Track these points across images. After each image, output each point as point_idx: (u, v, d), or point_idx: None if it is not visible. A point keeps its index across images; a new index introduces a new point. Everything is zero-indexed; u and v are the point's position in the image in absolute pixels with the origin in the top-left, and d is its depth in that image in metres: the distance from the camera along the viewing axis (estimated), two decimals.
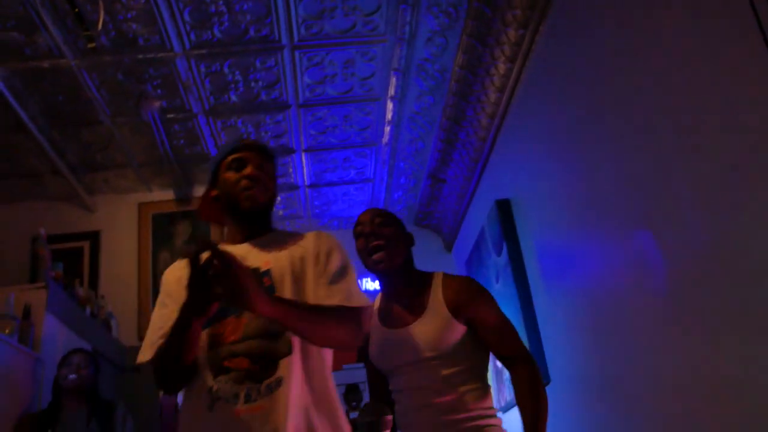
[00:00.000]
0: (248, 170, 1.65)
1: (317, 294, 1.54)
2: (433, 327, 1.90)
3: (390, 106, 4.04)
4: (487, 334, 1.93)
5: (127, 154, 4.31)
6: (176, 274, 1.62)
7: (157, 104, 3.79)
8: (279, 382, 1.43)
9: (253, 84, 3.73)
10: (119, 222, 4.77)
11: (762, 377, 1.73)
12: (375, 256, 1.92)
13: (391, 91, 3.90)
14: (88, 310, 3.79)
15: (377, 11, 3.26)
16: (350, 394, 5.55)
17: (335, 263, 1.60)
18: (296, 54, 3.51)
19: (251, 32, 3.33)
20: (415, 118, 4.19)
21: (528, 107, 3.42)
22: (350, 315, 1.52)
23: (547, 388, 3.28)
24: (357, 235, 1.99)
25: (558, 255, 3.24)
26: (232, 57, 3.51)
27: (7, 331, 2.88)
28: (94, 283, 4.51)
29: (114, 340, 4.13)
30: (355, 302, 1.54)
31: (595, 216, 2.76)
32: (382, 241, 1.92)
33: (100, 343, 3.77)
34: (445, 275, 2.02)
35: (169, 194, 4.77)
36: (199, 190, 4.75)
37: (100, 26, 2.91)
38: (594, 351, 2.86)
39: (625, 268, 2.52)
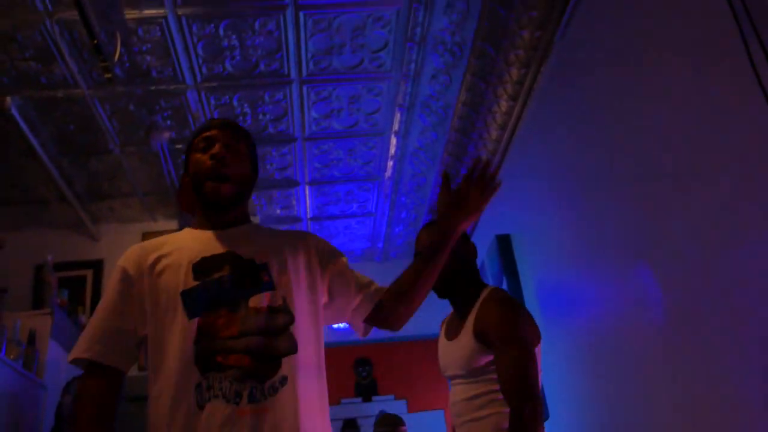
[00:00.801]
0: (215, 149, 1.54)
1: (360, 282, 1.61)
2: (462, 347, 1.99)
3: (393, 141, 4.12)
4: (500, 371, 1.89)
5: (133, 183, 4.37)
6: (131, 262, 1.49)
7: (166, 135, 3.87)
8: (283, 381, 1.36)
9: (260, 117, 3.82)
10: (122, 251, 4.77)
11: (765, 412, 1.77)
12: None
13: (395, 127, 3.99)
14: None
15: (384, 48, 3.37)
16: (348, 428, 5.52)
17: (345, 259, 1.66)
18: (304, 88, 3.60)
19: (261, 66, 3.43)
20: (417, 153, 4.28)
21: (529, 145, 3.51)
22: None
23: (547, 424, 3.32)
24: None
25: (557, 290, 3.30)
26: (242, 90, 3.60)
27: (12, 356, 2.90)
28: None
29: None
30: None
31: (594, 251, 2.82)
32: None
33: None
34: (488, 296, 2.04)
35: (173, 224, 4.82)
36: None
37: (116, 57, 3.00)
38: (593, 386, 2.89)
39: (623, 303, 2.57)
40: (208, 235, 1.54)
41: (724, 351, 1.91)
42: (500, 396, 1.86)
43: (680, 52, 2.06)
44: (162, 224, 4.85)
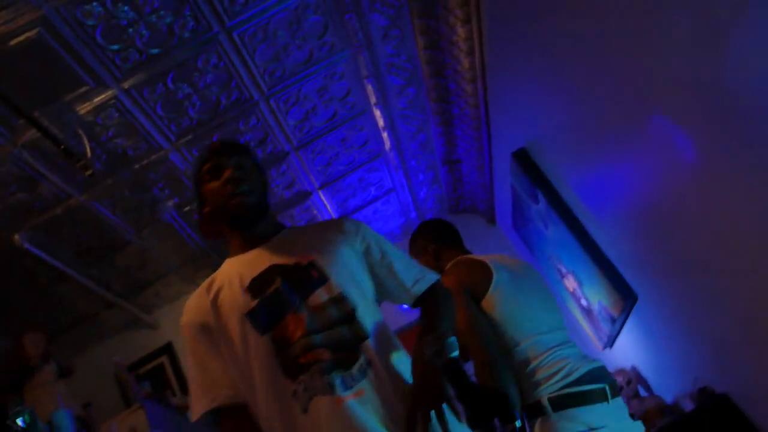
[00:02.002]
0: (227, 174, 1.60)
1: (402, 283, 1.65)
2: None
3: (377, 113, 4.08)
4: None
5: (164, 262, 4.43)
6: (192, 313, 1.57)
7: (170, 204, 3.91)
8: (369, 363, 1.42)
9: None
10: None
11: None
12: None
13: (372, 99, 3.95)
14: (188, 413, 3.89)
15: (326, 32, 3.33)
16: None
17: (388, 246, 1.69)
18: (272, 102, 3.59)
19: (223, 101, 3.43)
20: (405, 114, 4.23)
21: (502, 58, 3.43)
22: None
23: (637, 306, 3.26)
24: None
25: (591, 177, 3.22)
26: (217, 130, 3.61)
27: None
28: (184, 388, 4.63)
29: None
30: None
31: (608, 123, 2.74)
32: None
33: None
34: None
35: None
36: None
37: (88, 153, 3.04)
38: (669, 242, 2.79)
39: (658, 157, 2.49)
40: (248, 257, 1.59)
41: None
42: None
43: None
44: None
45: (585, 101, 2.83)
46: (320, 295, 1.48)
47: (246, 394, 1.48)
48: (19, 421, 2.49)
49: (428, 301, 1.67)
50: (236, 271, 1.57)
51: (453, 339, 1.34)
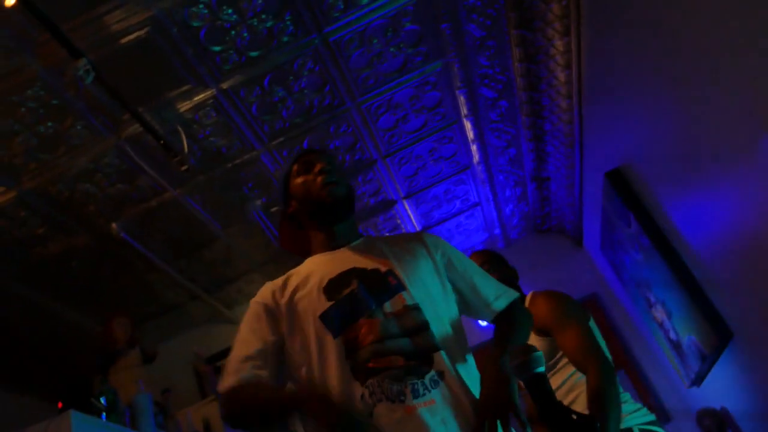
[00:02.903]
0: (319, 167, 1.64)
1: (485, 299, 1.63)
2: None
3: (467, 125, 4.04)
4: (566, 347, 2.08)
5: (247, 259, 4.54)
6: (267, 296, 1.58)
7: (258, 203, 4.00)
8: (441, 375, 1.40)
9: (334, 151, 3.87)
10: None
11: None
12: None
13: (464, 110, 3.91)
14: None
15: (421, 41, 3.32)
16: None
17: (468, 262, 1.68)
18: (362, 108, 3.61)
19: (316, 105, 3.48)
20: (496, 127, 4.16)
21: (601, 73, 3.32)
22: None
23: (732, 342, 3.05)
24: None
25: (691, 203, 3.05)
26: (309, 134, 3.67)
27: None
28: None
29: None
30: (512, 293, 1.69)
31: (712, 149, 2.59)
32: None
33: None
34: (531, 298, 2.24)
35: None
36: None
37: (185, 149, 3.15)
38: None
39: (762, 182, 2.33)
40: (328, 257, 1.61)
41: None
42: (578, 375, 2.05)
43: None
44: None
45: (688, 123, 2.69)
46: (396, 303, 1.47)
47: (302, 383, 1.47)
48: (102, 400, 2.59)
49: (508, 317, 1.65)
50: (315, 269, 1.58)
51: (540, 354, 1.29)
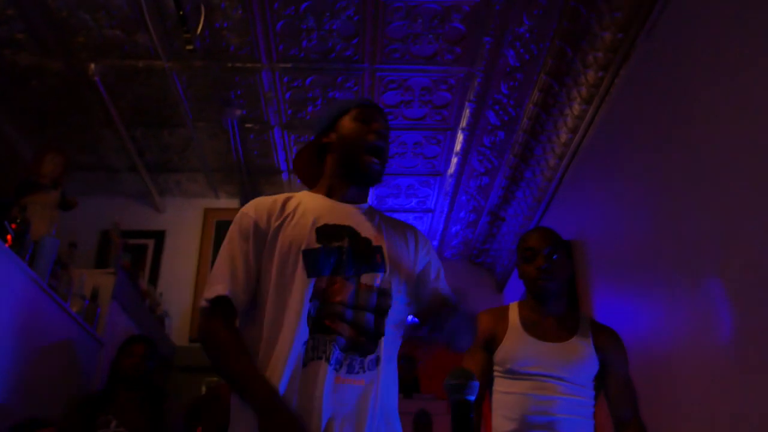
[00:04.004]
0: (377, 125, 1.61)
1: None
2: (582, 355, 2.07)
3: (460, 137, 4.10)
4: (613, 384, 2.09)
5: (201, 158, 4.47)
6: (262, 215, 1.54)
7: (237, 112, 3.95)
8: (377, 361, 1.43)
9: (331, 102, 3.85)
10: (184, 225, 4.93)
11: None
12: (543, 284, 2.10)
13: (463, 123, 3.97)
14: (147, 303, 3.91)
15: (460, 41, 3.35)
16: None
17: (440, 268, 1.71)
18: (377, 76, 3.61)
19: (337, 50, 3.45)
20: (483, 152, 4.24)
21: (598, 150, 3.43)
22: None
23: None
24: (527, 258, 2.13)
25: (616, 301, 3.20)
26: (316, 74, 3.64)
27: (75, 309, 2.99)
28: (154, 280, 4.66)
29: (166, 337, 4.24)
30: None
31: (659, 263, 2.72)
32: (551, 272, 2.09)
33: (153, 337, 3.86)
34: (598, 323, 2.23)
35: (235, 202, 4.92)
36: None
37: (199, 30, 3.07)
38: (654, 407, 2.78)
39: (688, 318, 2.47)
40: (332, 203, 1.60)
41: None
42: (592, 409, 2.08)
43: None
44: (224, 202, 4.97)
45: (648, 231, 2.82)
46: (374, 279, 1.49)
47: (262, 300, 1.47)
48: (8, 225, 2.50)
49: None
50: (316, 206, 1.57)
51: (476, 384, 1.34)
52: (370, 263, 1.50)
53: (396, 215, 4.97)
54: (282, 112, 3.98)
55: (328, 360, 1.37)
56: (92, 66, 3.60)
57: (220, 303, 1.44)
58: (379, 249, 1.53)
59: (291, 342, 1.37)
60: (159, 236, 4.87)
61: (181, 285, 4.70)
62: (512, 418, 2.02)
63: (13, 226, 2.49)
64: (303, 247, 1.47)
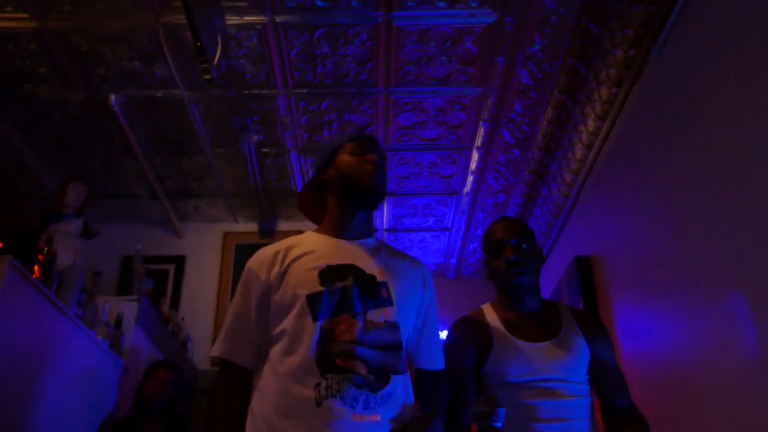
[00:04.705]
0: (372, 157, 1.65)
1: (431, 352, 1.66)
2: (577, 352, 1.90)
3: (475, 156, 4.12)
4: (606, 374, 1.95)
5: (219, 183, 4.53)
6: (264, 266, 1.59)
7: (255, 138, 4.01)
8: (390, 396, 1.46)
9: (347, 125, 3.90)
10: (204, 249, 4.98)
11: None
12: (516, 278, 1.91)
13: (478, 142, 3.99)
14: (169, 328, 3.95)
15: (473, 62, 3.38)
16: None
17: (436, 314, 1.73)
18: (390, 98, 3.66)
19: (351, 74, 3.50)
20: (498, 170, 4.26)
21: (614, 166, 3.44)
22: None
23: None
24: (494, 252, 1.96)
25: (638, 316, 3.19)
26: (331, 98, 3.69)
27: (100, 336, 3.04)
28: (175, 305, 4.70)
29: (189, 361, 4.27)
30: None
31: (680, 278, 2.72)
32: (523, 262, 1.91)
33: (176, 361, 3.90)
34: (577, 310, 2.07)
35: (253, 226, 4.97)
36: (283, 225, 4.93)
37: (216, 60, 3.13)
38: (677, 423, 2.76)
39: (711, 333, 2.46)
40: (334, 243, 1.64)
41: None
42: (590, 407, 1.91)
43: None
44: (243, 226, 5.02)
45: (668, 245, 2.81)
46: (380, 315, 1.52)
47: (272, 348, 1.52)
48: (35, 256, 2.55)
49: (435, 381, 1.69)
50: (318, 249, 1.60)
51: (503, 411, 1.36)
52: (376, 299, 1.53)
53: (414, 234, 5.04)
54: (298, 137, 4.03)
55: (342, 398, 1.40)
56: (112, 97, 3.68)
57: (226, 361, 1.54)
58: (384, 284, 1.56)
59: (302, 385, 1.42)
60: (179, 261, 4.93)
61: (203, 309, 4.74)
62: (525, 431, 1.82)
63: (41, 257, 2.54)
64: (307, 293, 1.50)
